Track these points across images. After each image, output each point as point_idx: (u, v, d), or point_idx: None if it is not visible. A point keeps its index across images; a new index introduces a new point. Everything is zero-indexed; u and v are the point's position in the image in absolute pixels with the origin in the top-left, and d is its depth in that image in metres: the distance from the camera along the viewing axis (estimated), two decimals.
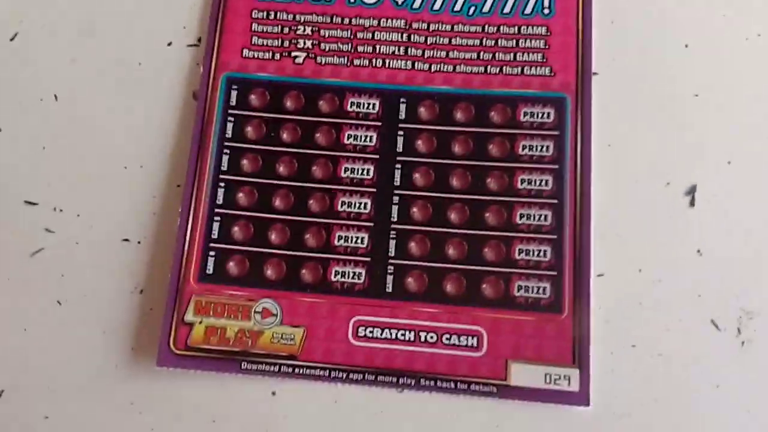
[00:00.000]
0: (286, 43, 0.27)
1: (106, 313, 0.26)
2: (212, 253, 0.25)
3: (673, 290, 0.25)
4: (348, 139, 0.26)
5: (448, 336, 0.24)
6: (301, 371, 0.24)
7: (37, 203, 0.26)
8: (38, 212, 0.26)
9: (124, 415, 0.25)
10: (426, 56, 0.26)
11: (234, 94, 0.26)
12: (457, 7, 0.26)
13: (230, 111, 0.26)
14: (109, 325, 0.25)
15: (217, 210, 0.25)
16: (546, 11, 0.26)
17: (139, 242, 0.26)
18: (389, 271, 0.25)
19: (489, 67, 0.26)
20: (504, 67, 0.26)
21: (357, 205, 0.25)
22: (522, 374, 0.24)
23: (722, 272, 0.25)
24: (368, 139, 0.26)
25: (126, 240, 0.26)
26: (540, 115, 0.25)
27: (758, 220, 0.25)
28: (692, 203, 0.25)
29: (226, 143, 0.26)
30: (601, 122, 0.25)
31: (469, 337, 0.24)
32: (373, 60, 0.26)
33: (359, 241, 0.25)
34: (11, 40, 0.28)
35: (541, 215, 0.25)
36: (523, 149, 0.25)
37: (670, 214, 0.25)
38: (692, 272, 0.25)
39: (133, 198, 0.26)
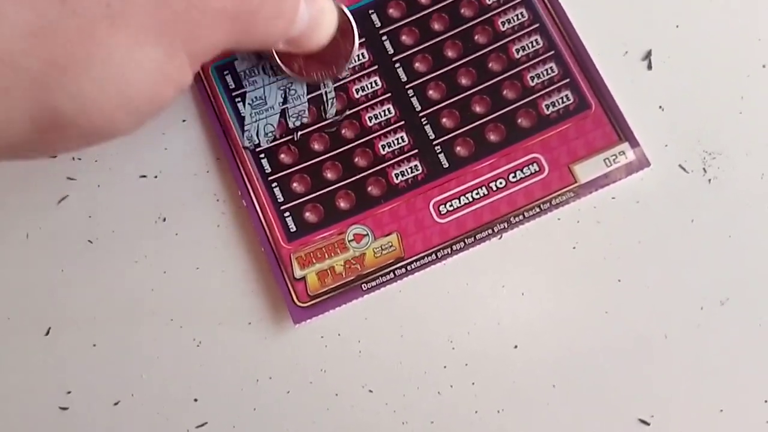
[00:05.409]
0: None
1: (137, 245, 0.28)
2: (286, 214, 0.27)
3: (641, 143, 0.27)
4: None
5: (513, 175, 0.27)
6: (412, 266, 0.27)
7: (56, 155, 0.28)
8: (58, 164, 0.29)
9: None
10: None
11: (229, 78, 0.28)
12: None
13: (233, 93, 0.28)
14: (141, 254, 0.28)
15: (270, 178, 0.27)
16: None
17: (155, 176, 0.28)
18: (437, 151, 0.27)
19: None
20: None
21: (382, 114, 0.28)
22: (586, 170, 0.27)
23: (683, 121, 0.28)
24: (361, 56, 0.28)
25: (143, 176, 0.28)
26: None
27: (707, 73, 0.28)
28: (650, 66, 0.28)
29: (246, 125, 0.28)
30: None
31: (530, 166, 0.27)
32: None
33: (400, 140, 0.27)
34: None
35: (531, 42, 0.28)
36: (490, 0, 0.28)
37: (632, 78, 0.28)
38: (657, 126, 0.28)
39: (144, 138, 0.28)
